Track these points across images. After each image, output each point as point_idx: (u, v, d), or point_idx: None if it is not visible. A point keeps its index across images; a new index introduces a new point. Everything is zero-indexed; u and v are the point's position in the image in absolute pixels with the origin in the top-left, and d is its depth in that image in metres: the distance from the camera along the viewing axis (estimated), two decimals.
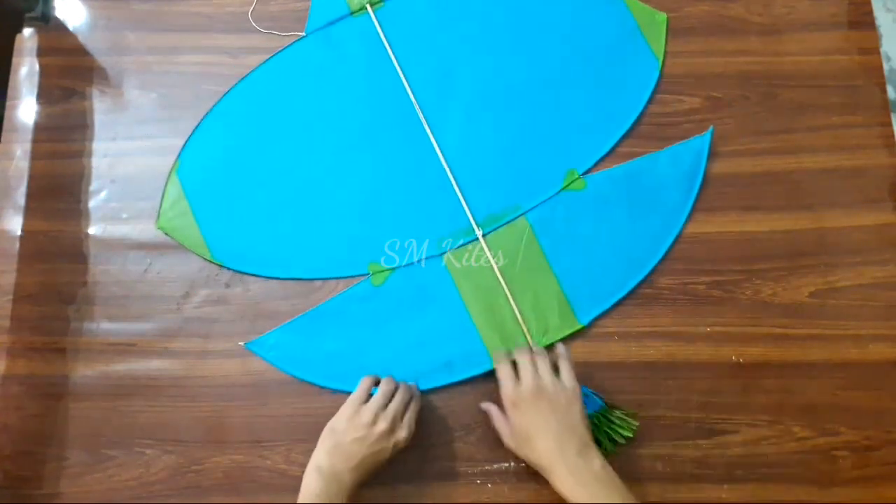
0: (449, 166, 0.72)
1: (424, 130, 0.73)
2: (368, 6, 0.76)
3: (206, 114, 0.74)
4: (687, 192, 0.72)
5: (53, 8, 0.79)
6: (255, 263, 0.71)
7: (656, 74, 0.75)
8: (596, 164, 0.73)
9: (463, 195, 0.71)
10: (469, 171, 0.72)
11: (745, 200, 0.72)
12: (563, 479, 0.56)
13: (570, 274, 0.70)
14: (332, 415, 0.62)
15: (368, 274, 0.70)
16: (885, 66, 0.76)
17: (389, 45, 0.75)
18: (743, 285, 0.70)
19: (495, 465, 0.65)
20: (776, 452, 0.65)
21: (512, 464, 0.65)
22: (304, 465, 0.65)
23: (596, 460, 0.56)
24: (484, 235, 0.70)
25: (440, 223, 0.71)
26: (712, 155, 0.73)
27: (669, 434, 0.66)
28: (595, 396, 0.64)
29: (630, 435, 0.64)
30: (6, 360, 0.69)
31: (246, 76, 0.75)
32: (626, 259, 0.70)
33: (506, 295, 0.69)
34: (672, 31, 0.77)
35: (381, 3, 0.76)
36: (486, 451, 0.66)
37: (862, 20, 0.77)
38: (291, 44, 0.76)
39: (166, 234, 0.71)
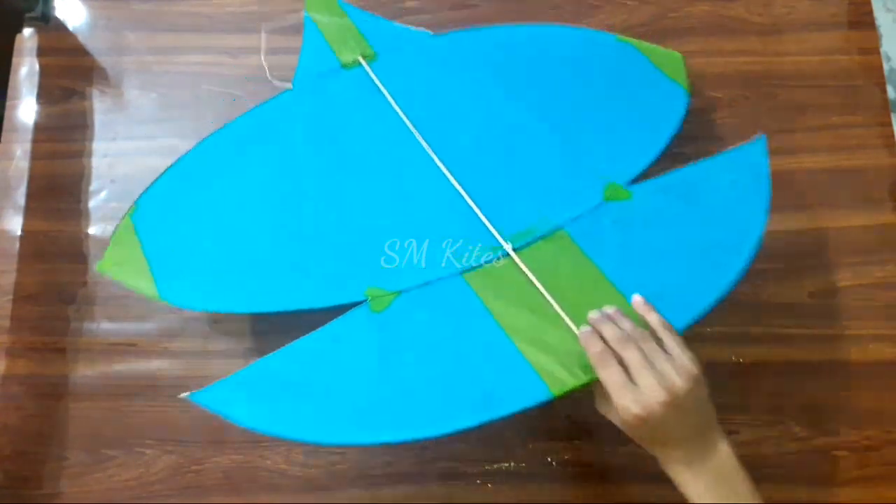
0: (464, 189, 0.64)
1: (430, 158, 0.66)
2: (361, 58, 0.71)
3: (171, 164, 0.66)
4: (756, 196, 0.62)
5: (53, 8, 0.79)
6: (226, 299, 0.60)
7: (685, 101, 0.69)
8: (635, 179, 0.65)
9: (483, 214, 0.62)
10: (486, 192, 0.64)
11: None
12: (687, 482, 0.49)
13: (635, 281, 0.58)
14: None
15: (366, 300, 0.59)
16: (885, 66, 0.77)
17: (388, 92, 0.69)
18: (743, 285, 0.69)
19: (495, 465, 0.65)
20: (776, 452, 0.65)
21: (512, 464, 0.65)
22: (304, 465, 0.65)
23: (721, 452, 0.49)
24: (515, 250, 0.60)
25: (456, 238, 0.62)
26: (712, 155, 0.73)
27: None
28: None
29: None
30: (6, 360, 0.69)
31: (220, 128, 0.68)
32: (700, 266, 0.59)
33: (556, 307, 0.57)
34: (672, 32, 0.77)
35: (375, 57, 0.72)
36: (486, 451, 0.66)
37: (862, 20, 0.77)
38: (276, 96, 0.70)
39: (111, 276, 0.62)
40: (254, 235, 0.63)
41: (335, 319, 0.58)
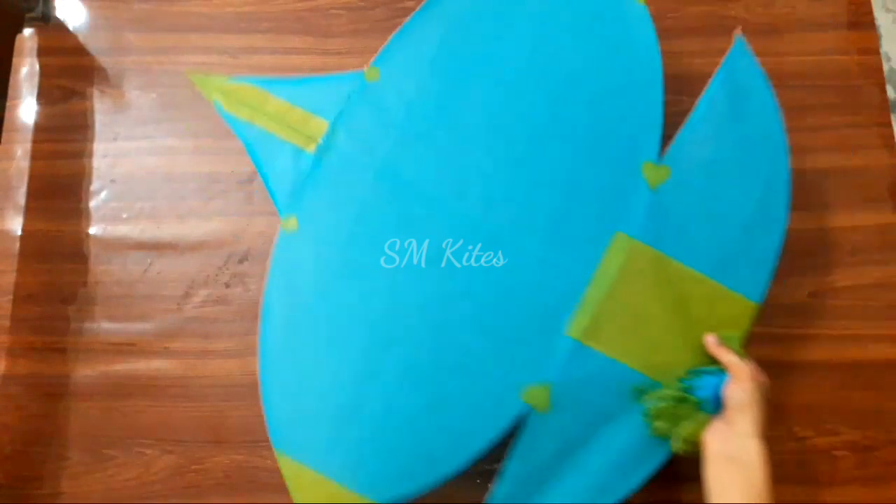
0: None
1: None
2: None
3: (260, 369, 0.59)
4: (764, 104, 0.63)
5: (54, 8, 0.79)
6: (416, 475, 0.57)
7: (647, 18, 0.65)
8: (661, 142, 0.63)
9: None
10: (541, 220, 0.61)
11: None
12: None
13: (712, 261, 0.60)
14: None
15: (529, 407, 0.57)
16: (885, 67, 0.76)
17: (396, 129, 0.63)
18: None
19: (495, 465, 0.65)
20: (776, 452, 0.65)
21: None
22: None
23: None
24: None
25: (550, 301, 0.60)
26: None
27: None
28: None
29: None
30: (6, 360, 0.69)
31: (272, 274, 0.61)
32: (756, 212, 0.61)
33: (674, 326, 0.59)
34: (672, 31, 0.77)
35: (331, 130, 0.64)
36: None
37: (862, 20, 0.77)
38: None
39: None
40: (393, 407, 0.58)
41: (515, 444, 0.57)
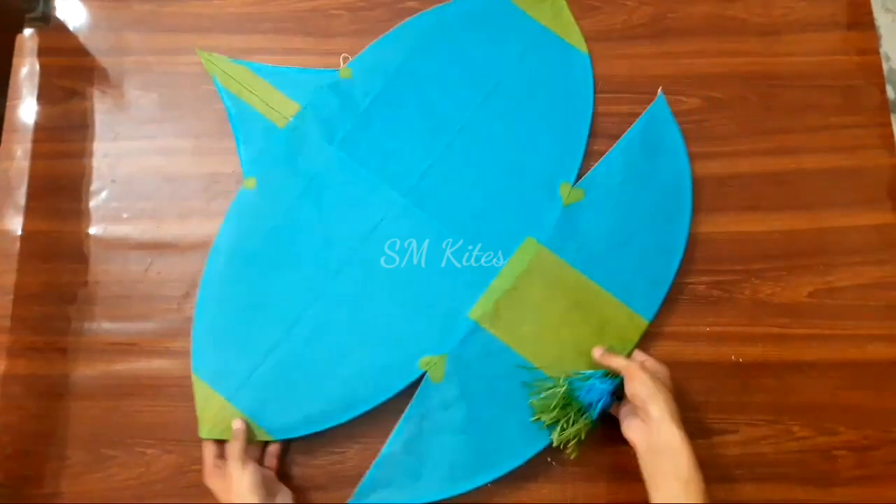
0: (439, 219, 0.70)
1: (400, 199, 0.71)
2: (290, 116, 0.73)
3: (198, 300, 0.68)
4: (675, 150, 0.72)
5: (54, 8, 0.79)
6: (313, 420, 0.65)
7: (588, 64, 0.76)
8: (582, 168, 0.72)
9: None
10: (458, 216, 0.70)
11: (745, 200, 0.72)
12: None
13: (612, 277, 0.68)
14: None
15: (424, 373, 0.66)
16: (885, 67, 0.76)
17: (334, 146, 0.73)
18: (742, 285, 0.70)
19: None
20: (775, 452, 0.65)
21: None
22: (303, 465, 0.65)
23: None
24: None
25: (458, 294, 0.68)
26: (711, 155, 0.73)
27: None
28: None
29: None
30: (7, 359, 0.69)
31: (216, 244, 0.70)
32: (655, 240, 0.70)
33: (564, 325, 0.67)
34: (672, 32, 0.77)
35: (301, 111, 0.73)
36: None
37: (861, 20, 0.77)
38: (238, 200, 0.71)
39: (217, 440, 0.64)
40: (306, 354, 0.67)
41: (412, 402, 0.65)
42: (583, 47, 0.76)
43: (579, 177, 0.72)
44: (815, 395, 0.67)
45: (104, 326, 0.70)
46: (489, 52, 0.76)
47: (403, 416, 0.65)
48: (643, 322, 0.67)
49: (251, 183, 0.71)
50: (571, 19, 0.77)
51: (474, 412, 0.65)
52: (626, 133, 0.73)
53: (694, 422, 0.66)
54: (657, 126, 0.73)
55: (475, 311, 0.68)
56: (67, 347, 0.69)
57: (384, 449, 0.64)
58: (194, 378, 0.66)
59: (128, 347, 0.69)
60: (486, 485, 0.63)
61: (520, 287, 0.68)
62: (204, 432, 0.64)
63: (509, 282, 0.68)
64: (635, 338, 0.67)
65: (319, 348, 0.67)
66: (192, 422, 0.66)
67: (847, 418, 0.66)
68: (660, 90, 0.74)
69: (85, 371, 0.69)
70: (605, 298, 0.68)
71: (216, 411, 0.65)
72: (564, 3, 0.78)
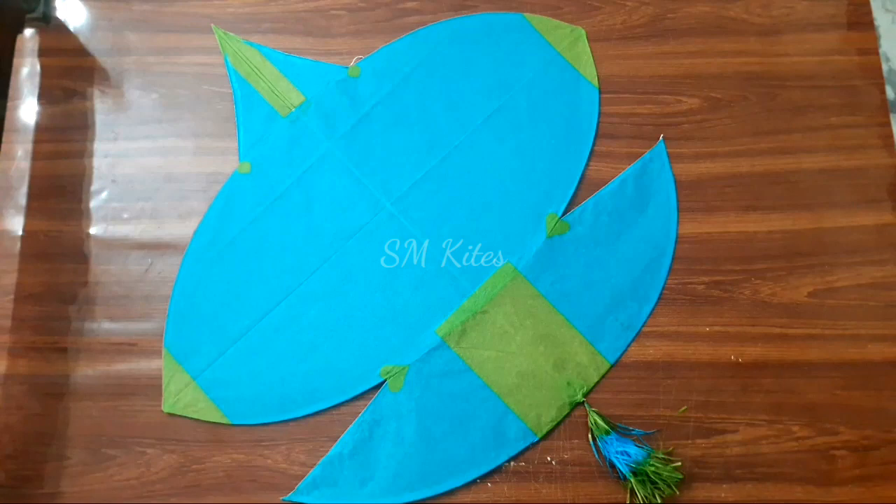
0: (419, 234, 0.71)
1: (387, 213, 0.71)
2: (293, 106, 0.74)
3: (178, 275, 0.70)
4: (666, 202, 0.72)
5: (54, 8, 0.79)
6: (271, 410, 0.67)
7: (596, 99, 0.75)
8: (571, 201, 0.72)
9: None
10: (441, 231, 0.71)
11: (745, 200, 0.72)
12: None
13: (582, 315, 0.68)
14: (331, 415, 0.62)
15: (384, 381, 0.67)
16: (884, 67, 0.77)
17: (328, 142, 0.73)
18: (742, 285, 0.70)
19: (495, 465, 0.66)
20: (775, 452, 0.65)
21: (512, 463, 0.65)
22: (304, 465, 0.65)
23: None
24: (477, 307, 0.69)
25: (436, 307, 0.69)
26: (711, 155, 0.73)
27: (668, 434, 0.66)
28: (638, 446, 0.64)
29: (678, 477, 0.63)
30: (7, 359, 0.69)
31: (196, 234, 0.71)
32: (630, 286, 0.69)
33: (526, 356, 0.67)
34: (672, 32, 0.77)
35: (306, 102, 0.74)
36: None
37: (861, 21, 0.78)
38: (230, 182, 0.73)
39: (178, 415, 0.67)
40: (273, 345, 0.68)
41: (367, 408, 0.66)
42: (594, 81, 0.75)
43: (568, 209, 0.72)
44: (815, 395, 0.67)
45: (104, 326, 0.70)
46: (499, 72, 0.75)
47: (356, 420, 0.66)
48: (605, 363, 0.67)
49: (245, 167, 0.72)
50: (588, 51, 0.76)
51: (425, 427, 0.65)
52: (620, 174, 0.72)
53: (694, 422, 0.66)
54: (653, 173, 0.72)
55: (442, 329, 0.68)
56: (67, 347, 0.69)
57: (332, 449, 0.65)
58: (164, 352, 0.68)
59: (128, 347, 0.69)
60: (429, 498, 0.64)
61: (489, 311, 0.68)
62: (167, 406, 0.66)
63: (480, 304, 0.69)
64: (595, 378, 0.67)
65: (287, 341, 0.68)
66: (193, 421, 0.67)
67: (847, 418, 0.66)
68: (661, 137, 0.73)
69: (85, 371, 0.69)
70: (572, 335, 0.68)
71: (180, 388, 0.67)
72: (584, 33, 0.76)
